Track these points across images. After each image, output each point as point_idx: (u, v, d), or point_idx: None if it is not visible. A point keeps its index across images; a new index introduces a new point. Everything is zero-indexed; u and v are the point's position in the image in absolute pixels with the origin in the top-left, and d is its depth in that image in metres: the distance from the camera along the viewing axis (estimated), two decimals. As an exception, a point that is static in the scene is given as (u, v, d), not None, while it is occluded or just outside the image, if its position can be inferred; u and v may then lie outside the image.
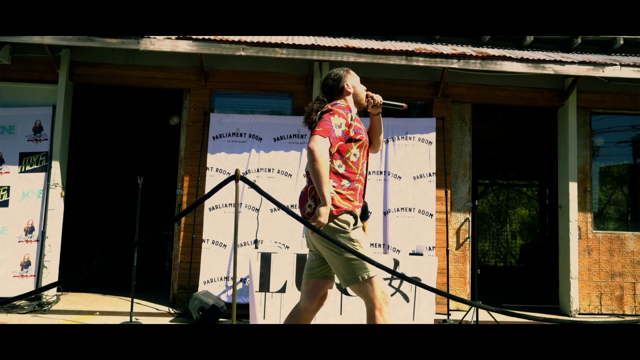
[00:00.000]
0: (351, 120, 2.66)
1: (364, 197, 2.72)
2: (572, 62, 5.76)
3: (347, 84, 2.80)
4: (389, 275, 4.30)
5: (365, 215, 5.02)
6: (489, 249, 15.86)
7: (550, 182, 11.14)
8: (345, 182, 2.60)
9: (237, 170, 1.36)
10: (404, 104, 2.86)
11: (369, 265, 2.38)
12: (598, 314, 6.27)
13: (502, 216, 16.79)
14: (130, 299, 5.38)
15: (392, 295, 4.35)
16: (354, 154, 2.66)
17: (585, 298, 6.27)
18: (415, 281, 1.89)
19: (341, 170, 2.62)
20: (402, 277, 1.83)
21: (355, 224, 2.57)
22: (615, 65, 5.80)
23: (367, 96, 2.82)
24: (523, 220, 17.20)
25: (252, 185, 1.37)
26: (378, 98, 2.80)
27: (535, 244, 12.70)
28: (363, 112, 2.95)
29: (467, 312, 5.42)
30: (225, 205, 5.90)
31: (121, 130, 9.22)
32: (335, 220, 2.50)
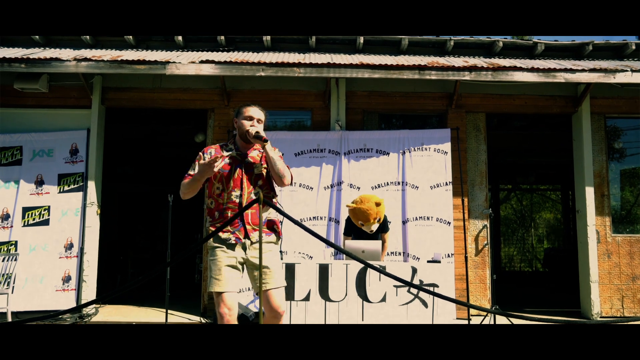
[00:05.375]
0: (206, 157, 2.96)
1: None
2: (583, 70, 5.88)
3: (235, 120, 3.05)
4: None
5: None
6: (514, 254, 15.79)
7: (573, 186, 11.12)
8: (216, 214, 2.93)
9: (259, 192, 1.62)
10: (263, 136, 2.86)
11: (213, 281, 2.82)
12: (620, 317, 6.31)
13: (527, 221, 16.70)
14: (164, 310, 5.71)
15: (411, 301, 4.56)
16: (217, 187, 2.92)
17: (606, 301, 6.33)
18: (426, 289, 2.11)
19: (212, 205, 2.96)
20: (418, 287, 2.04)
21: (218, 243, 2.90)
22: (627, 71, 5.90)
23: (247, 131, 2.91)
24: (549, 224, 17.07)
25: (274, 207, 1.61)
26: (252, 130, 2.87)
27: (559, 248, 12.66)
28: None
29: (484, 317, 5.56)
30: (250, 219, 6.19)
31: (150, 149, 9.64)
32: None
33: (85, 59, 5.84)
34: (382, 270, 2.04)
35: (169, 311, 6.09)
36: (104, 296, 2.28)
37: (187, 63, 5.85)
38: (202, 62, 5.86)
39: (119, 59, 5.89)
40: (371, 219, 4.83)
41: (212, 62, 5.85)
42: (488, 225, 6.40)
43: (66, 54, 6.16)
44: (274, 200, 2.95)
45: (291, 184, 2.97)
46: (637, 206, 6.79)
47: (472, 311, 6.03)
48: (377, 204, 4.70)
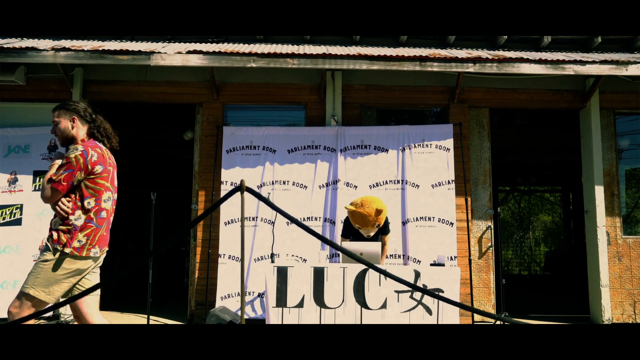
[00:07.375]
0: None
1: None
2: (593, 62, 5.57)
3: None
4: (408, 288, 4.14)
5: None
6: (512, 257, 15.50)
7: (574, 187, 10.82)
8: None
9: (242, 181, 1.27)
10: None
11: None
12: (633, 324, 5.98)
13: (525, 223, 16.41)
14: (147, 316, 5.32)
15: (413, 308, 4.19)
16: None
17: (617, 307, 5.99)
18: (437, 294, 1.75)
19: None
20: (428, 292, 1.70)
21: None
22: (639, 63, 5.59)
23: None
24: (546, 226, 16.79)
25: (259, 196, 1.28)
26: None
27: (561, 251, 12.31)
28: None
29: (493, 324, 5.21)
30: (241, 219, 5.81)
31: (137, 147, 9.24)
32: None
33: (64, 49, 5.46)
34: (386, 272, 1.68)
35: (153, 318, 5.71)
36: (77, 296, 2.04)
37: (173, 53, 5.48)
38: (189, 52, 5.49)
39: (101, 49, 5.51)
40: (370, 225, 4.50)
41: (200, 52, 5.49)
42: (492, 226, 6.05)
43: (44, 43, 5.78)
44: (69, 210, 2.78)
45: (45, 201, 2.80)
46: (637, 209, 6.48)
47: (477, 318, 5.68)
48: (379, 211, 4.35)
